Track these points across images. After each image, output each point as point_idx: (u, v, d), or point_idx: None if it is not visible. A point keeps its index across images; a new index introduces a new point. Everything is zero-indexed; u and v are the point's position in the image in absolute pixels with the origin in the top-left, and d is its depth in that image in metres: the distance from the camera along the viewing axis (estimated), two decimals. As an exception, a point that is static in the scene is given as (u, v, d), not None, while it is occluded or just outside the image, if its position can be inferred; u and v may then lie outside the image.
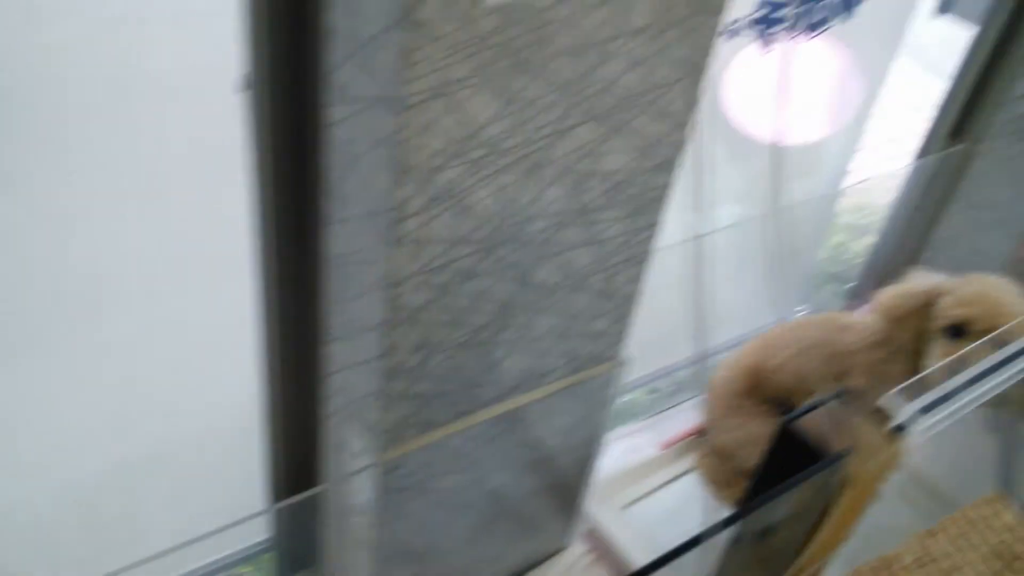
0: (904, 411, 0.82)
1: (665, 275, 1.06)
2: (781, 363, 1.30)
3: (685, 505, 1.38)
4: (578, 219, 0.83)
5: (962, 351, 1.08)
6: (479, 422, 0.93)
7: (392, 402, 0.83)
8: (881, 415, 0.82)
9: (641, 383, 1.64)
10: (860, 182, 1.93)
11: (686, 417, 1.50)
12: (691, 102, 0.82)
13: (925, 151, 1.73)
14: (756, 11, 1.29)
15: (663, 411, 1.56)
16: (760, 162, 1.57)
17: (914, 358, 1.19)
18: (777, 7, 1.33)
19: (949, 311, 1.13)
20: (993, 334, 1.07)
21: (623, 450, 1.47)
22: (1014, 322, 1.08)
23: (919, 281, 1.21)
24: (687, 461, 1.44)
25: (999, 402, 0.94)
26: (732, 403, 1.35)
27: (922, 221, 1.80)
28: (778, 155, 1.59)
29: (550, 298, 0.88)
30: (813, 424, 0.88)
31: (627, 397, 1.74)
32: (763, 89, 1.51)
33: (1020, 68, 1.58)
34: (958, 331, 1.13)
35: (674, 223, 0.95)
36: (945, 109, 1.68)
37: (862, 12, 1.43)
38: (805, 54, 1.45)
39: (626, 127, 0.78)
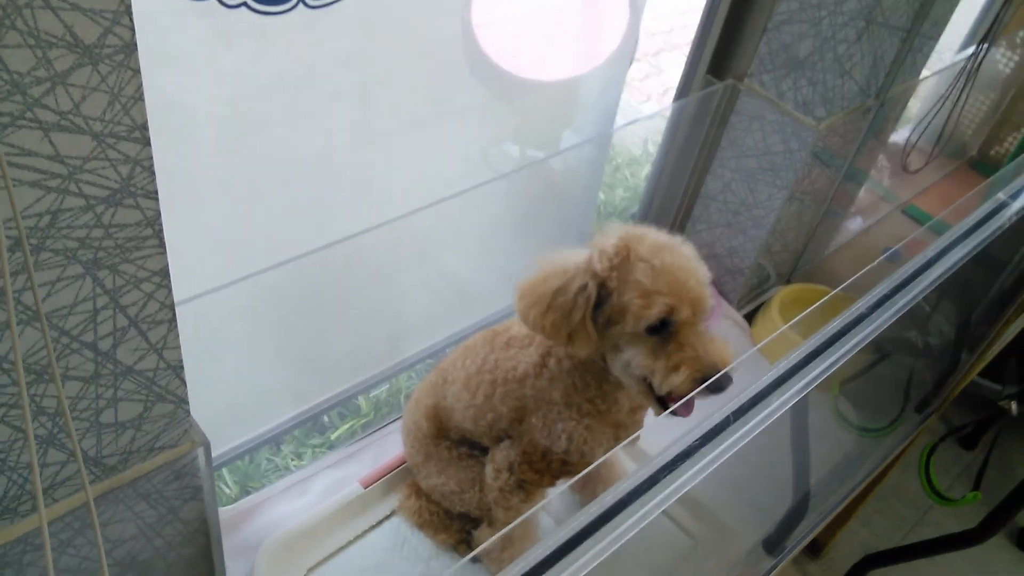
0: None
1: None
2: (452, 403, 1.01)
3: (391, 555, 1.13)
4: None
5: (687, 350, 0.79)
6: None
7: None
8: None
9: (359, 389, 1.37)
10: (627, 124, 1.68)
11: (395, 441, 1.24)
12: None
13: (685, 89, 1.49)
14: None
15: (377, 430, 1.29)
16: (528, 104, 1.28)
17: (586, 374, 0.89)
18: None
19: (645, 311, 0.78)
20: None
21: (323, 490, 1.20)
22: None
23: (556, 266, 0.84)
24: (392, 500, 1.18)
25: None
26: (425, 448, 1.08)
27: (689, 170, 1.57)
28: (543, 95, 1.30)
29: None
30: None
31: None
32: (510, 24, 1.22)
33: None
34: (665, 326, 0.80)
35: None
36: (701, 41, 1.42)
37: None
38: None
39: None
